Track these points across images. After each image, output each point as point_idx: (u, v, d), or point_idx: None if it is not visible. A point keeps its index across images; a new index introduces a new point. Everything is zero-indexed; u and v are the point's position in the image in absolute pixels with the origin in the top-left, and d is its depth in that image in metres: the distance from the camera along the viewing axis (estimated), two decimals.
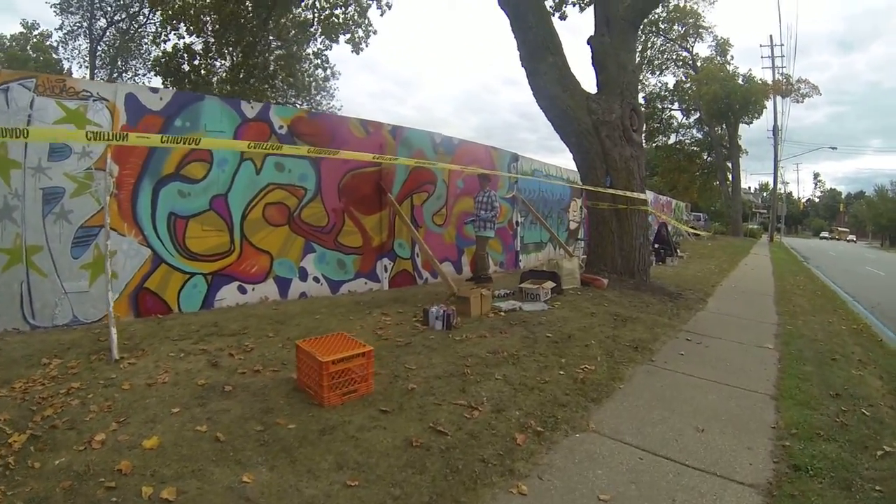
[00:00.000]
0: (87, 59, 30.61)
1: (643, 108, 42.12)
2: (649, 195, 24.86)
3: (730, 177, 40.20)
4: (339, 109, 31.94)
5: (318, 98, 31.11)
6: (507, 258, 11.72)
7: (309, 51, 26.56)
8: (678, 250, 17.42)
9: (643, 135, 9.83)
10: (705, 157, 42.23)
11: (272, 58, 25.87)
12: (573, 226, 15.88)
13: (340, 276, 7.63)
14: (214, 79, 25.01)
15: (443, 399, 3.81)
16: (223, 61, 24.99)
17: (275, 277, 6.90)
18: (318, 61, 27.19)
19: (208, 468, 2.75)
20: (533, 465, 3.06)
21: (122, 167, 5.64)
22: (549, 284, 7.85)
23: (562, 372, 4.67)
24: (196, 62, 24.40)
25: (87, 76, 29.49)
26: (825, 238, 74.52)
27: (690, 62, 40.04)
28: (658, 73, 41.70)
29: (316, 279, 7.35)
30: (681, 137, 43.34)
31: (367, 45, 22.92)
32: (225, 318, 5.67)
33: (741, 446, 3.46)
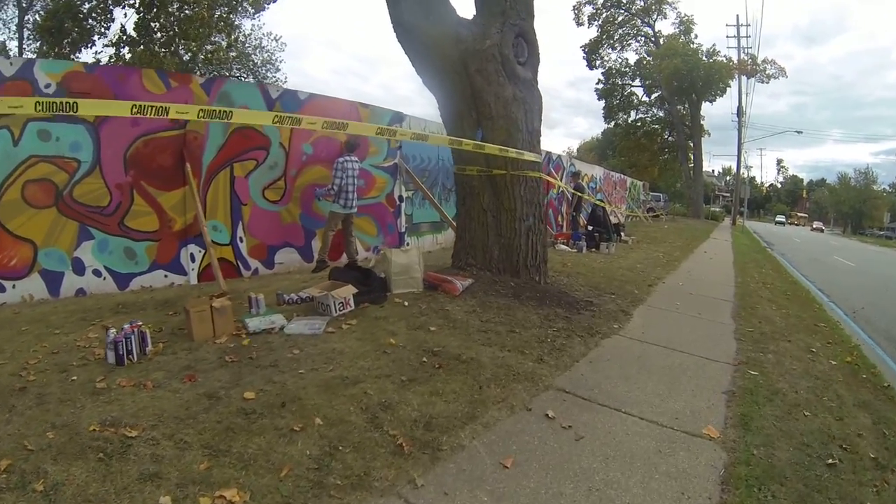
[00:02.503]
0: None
1: (601, 82, 39.95)
2: (597, 171, 21.93)
3: (692, 157, 37.46)
4: (283, 83, 29.69)
5: (262, 70, 29.17)
6: (388, 241, 9.19)
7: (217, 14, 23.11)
8: (622, 233, 14.33)
9: (537, 72, 6.46)
10: (666, 137, 39.41)
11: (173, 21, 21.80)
12: None
13: (130, 269, 6.20)
14: (101, 40, 21.16)
15: None
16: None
17: (41, 271, 5.64)
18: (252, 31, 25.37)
19: None
20: None
21: None
22: (348, 291, 4.69)
23: None
24: (82, 18, 20.31)
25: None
26: (781, 223, 67.61)
27: (653, 39, 37.03)
28: (619, 48, 38.71)
29: (97, 272, 5.95)
30: (642, 115, 40.48)
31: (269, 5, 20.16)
32: None
33: None
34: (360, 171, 7.34)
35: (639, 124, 40.61)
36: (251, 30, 28.51)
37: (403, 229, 9.53)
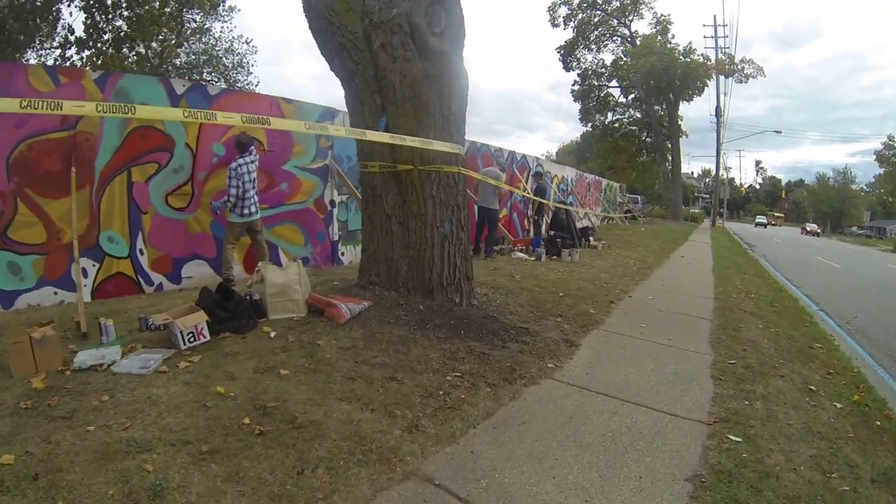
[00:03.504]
0: None
1: (577, 84, 38.87)
2: (568, 172, 20.52)
3: (670, 158, 36.48)
4: (255, 86, 29.06)
5: (233, 73, 28.22)
6: (319, 251, 8.14)
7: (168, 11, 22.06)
8: (591, 238, 13.05)
9: (461, 45, 5.11)
10: (644, 138, 38.41)
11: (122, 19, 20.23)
12: None
13: (14, 286, 5.38)
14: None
15: None
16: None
17: None
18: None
19: None
20: None
21: None
22: (197, 319, 3.60)
23: None
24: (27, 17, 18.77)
25: None
26: (762, 225, 59.37)
27: (629, 39, 36.07)
28: (595, 49, 37.69)
29: None
30: (619, 116, 39.44)
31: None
32: None
33: None
34: (285, 173, 6.98)
35: (616, 125, 39.54)
36: (221, 32, 27.70)
37: (336, 238, 8.28)
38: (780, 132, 52.65)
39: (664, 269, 10.23)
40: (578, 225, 16.87)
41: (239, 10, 40.02)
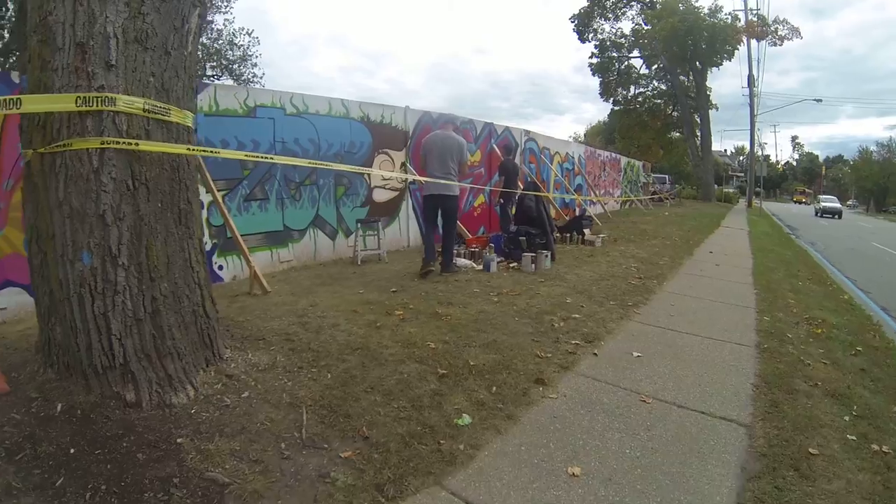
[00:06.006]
0: None
1: (594, 56, 34.66)
2: (573, 148, 16.42)
3: (699, 134, 32.23)
4: (261, 79, 27.82)
5: (237, 67, 27.11)
6: None
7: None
8: (587, 231, 9.74)
9: None
10: (670, 111, 34.16)
11: None
12: (381, 196, 8.24)
13: None
14: None
15: None
16: None
17: None
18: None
19: None
20: None
21: None
22: None
23: None
24: None
25: None
26: (831, 212, 49.10)
27: (649, 4, 31.80)
28: (612, 18, 33.51)
29: None
30: (642, 89, 35.21)
31: None
32: None
33: None
34: None
35: (639, 100, 35.27)
36: (223, 25, 26.35)
37: (208, 247, 5.96)
38: (821, 100, 46.80)
39: (680, 277, 6.89)
40: (575, 213, 13.60)
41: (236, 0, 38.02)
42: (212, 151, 2.87)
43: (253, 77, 27.99)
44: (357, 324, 3.89)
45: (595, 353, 3.65)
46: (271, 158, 6.02)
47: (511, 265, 6.63)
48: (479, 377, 3.03)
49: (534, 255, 6.52)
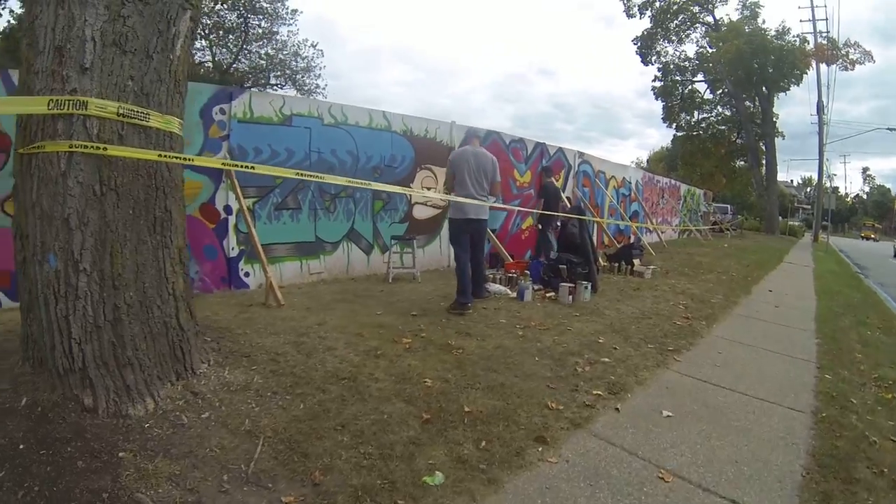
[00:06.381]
0: None
1: (657, 80, 33.50)
2: (632, 173, 15.58)
3: (764, 163, 30.51)
4: (324, 89, 29.34)
5: (300, 78, 28.61)
6: (208, 270, 5.93)
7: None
8: (635, 261, 9.09)
9: None
10: (734, 139, 32.55)
11: None
12: (422, 213, 7.93)
13: None
14: None
15: None
16: None
17: None
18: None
19: None
20: None
21: None
22: None
23: None
24: None
25: None
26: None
27: (713, 27, 30.56)
28: (676, 41, 32.43)
29: None
30: (705, 115, 33.76)
31: None
32: None
33: None
34: None
35: (703, 125, 33.83)
36: (287, 36, 27.88)
37: (235, 253, 6.01)
38: (894, 129, 43.05)
39: (732, 319, 6.19)
40: (629, 240, 12.88)
41: (301, 13, 39.73)
42: (185, 159, 2.62)
43: (316, 88, 29.36)
44: (356, 349, 3.57)
45: (617, 409, 3.12)
46: (295, 173, 5.88)
47: (548, 294, 6.15)
48: (469, 427, 2.61)
49: (572, 285, 6.00)
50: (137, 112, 2.47)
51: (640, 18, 31.49)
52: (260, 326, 4.04)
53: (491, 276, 6.73)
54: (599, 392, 3.29)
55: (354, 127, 7.03)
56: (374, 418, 2.60)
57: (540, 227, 8.30)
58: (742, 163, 33.45)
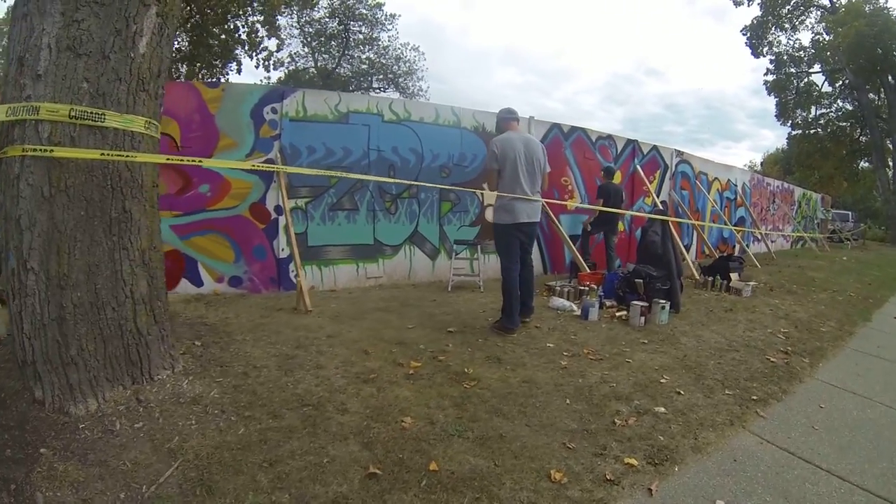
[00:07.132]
0: None
1: (769, 73, 30.38)
2: (738, 175, 14.01)
3: (891, 163, 26.75)
4: (426, 92, 30.04)
5: (402, 81, 29.35)
6: (257, 271, 6.02)
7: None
8: (733, 275, 7.84)
9: None
10: (856, 136, 28.83)
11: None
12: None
13: None
14: None
15: None
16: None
17: None
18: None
19: None
20: None
21: None
22: None
23: None
24: None
25: None
26: None
27: (829, 10, 27.22)
28: (789, 28, 29.29)
29: None
30: (824, 110, 30.20)
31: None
32: None
33: None
34: (207, 172, 5.55)
35: (821, 122, 30.27)
36: (388, 41, 28.52)
37: (285, 254, 5.96)
38: None
39: (845, 356, 4.81)
40: (733, 249, 11.55)
41: (400, 16, 40.77)
42: (126, 156, 2.50)
43: (419, 91, 30.06)
44: (347, 370, 3.23)
45: (650, 489, 2.21)
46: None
47: (618, 314, 5.34)
48: (423, 494, 2.04)
49: (645, 304, 5.10)
50: (91, 113, 2.43)
51: (749, 6, 28.83)
52: (264, 334, 3.87)
53: (559, 287, 6.17)
54: (633, 461, 2.41)
55: (419, 123, 6.74)
56: (312, 461, 2.20)
57: (589, 230, 7.63)
58: (866, 164, 29.63)
